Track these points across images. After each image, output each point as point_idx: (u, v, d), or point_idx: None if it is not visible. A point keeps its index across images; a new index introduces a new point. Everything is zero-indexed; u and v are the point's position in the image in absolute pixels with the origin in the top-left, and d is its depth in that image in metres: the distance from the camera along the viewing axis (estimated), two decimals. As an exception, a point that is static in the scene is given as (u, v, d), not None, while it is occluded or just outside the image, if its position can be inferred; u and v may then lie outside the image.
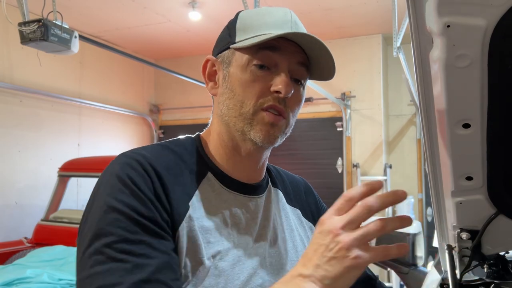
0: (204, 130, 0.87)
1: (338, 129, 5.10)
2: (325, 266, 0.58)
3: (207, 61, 0.83)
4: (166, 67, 4.84)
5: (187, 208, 0.72)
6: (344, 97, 5.03)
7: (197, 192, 0.76)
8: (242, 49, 0.77)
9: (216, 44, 0.84)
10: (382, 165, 4.90)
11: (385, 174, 4.85)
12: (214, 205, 0.77)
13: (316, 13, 4.35)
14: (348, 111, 5.03)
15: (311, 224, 0.94)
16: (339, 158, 5.08)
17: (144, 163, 0.70)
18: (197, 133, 0.87)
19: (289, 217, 0.90)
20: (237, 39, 0.77)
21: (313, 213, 0.96)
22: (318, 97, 4.99)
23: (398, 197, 0.59)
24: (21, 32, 2.65)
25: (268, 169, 0.92)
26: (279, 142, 0.79)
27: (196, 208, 0.74)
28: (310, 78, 0.84)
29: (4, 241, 3.60)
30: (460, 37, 0.62)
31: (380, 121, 4.93)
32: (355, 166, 4.94)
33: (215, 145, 0.82)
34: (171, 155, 0.77)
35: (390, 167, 4.92)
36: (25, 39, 2.66)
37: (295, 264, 0.82)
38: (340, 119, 5.09)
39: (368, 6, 4.19)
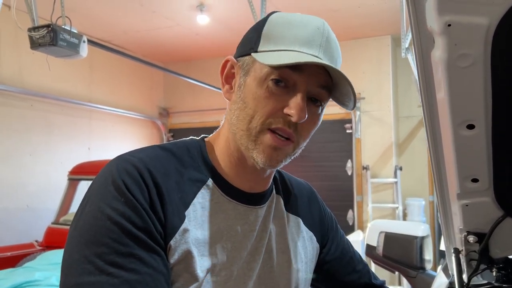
0: (213, 133, 0.83)
1: (348, 131, 5.07)
2: None
3: (227, 61, 0.78)
4: (175, 70, 4.86)
5: (183, 218, 0.69)
6: (353, 99, 4.99)
7: (194, 201, 0.72)
8: (263, 60, 0.71)
9: (241, 43, 0.79)
10: (392, 167, 4.86)
11: (395, 176, 4.81)
12: (211, 214, 0.74)
13: (324, 14, 4.33)
14: (358, 113, 5.00)
15: (311, 234, 0.90)
16: (349, 160, 5.05)
17: (141, 169, 0.67)
18: (202, 135, 0.84)
19: (288, 226, 0.86)
20: (260, 48, 0.72)
21: (315, 222, 0.93)
22: (327, 99, 4.97)
23: None
24: (30, 38, 2.68)
25: (274, 176, 0.88)
26: (284, 164, 0.75)
27: (191, 218, 0.71)
28: (334, 100, 0.78)
29: (15, 244, 3.64)
30: (461, 36, 0.61)
31: (390, 123, 4.89)
32: (365, 168, 4.91)
33: (221, 150, 0.79)
34: (171, 158, 0.74)
35: (401, 169, 4.87)
36: (34, 44, 2.70)
37: (286, 277, 0.81)
38: (349, 121, 5.06)
39: (376, 7, 4.16)
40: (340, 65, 0.77)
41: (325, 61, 0.69)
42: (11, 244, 3.64)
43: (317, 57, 0.70)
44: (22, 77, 4.11)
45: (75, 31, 2.76)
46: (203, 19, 4.29)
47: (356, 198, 4.97)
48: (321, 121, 0.76)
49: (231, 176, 0.77)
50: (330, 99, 0.77)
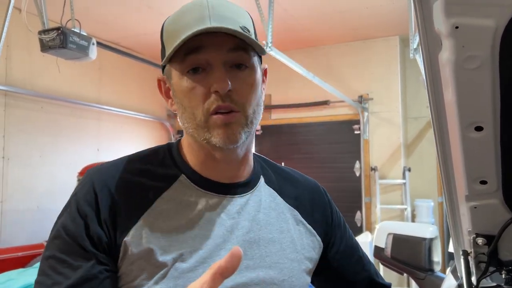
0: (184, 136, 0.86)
1: (356, 132, 5.06)
2: None
3: (159, 81, 0.83)
4: (183, 72, 4.87)
5: (138, 216, 0.74)
6: (362, 99, 4.98)
7: (164, 194, 0.77)
8: (172, 62, 0.75)
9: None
10: (400, 168, 4.83)
11: (403, 177, 4.78)
12: (183, 206, 0.77)
13: (332, 15, 4.33)
14: (366, 113, 4.98)
15: (310, 228, 0.89)
16: (357, 162, 5.03)
17: (96, 183, 0.75)
18: (178, 138, 0.88)
19: (283, 217, 0.86)
20: (167, 53, 0.74)
21: (315, 216, 0.91)
22: (335, 100, 4.96)
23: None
24: (41, 40, 2.71)
25: (264, 167, 0.90)
26: (245, 137, 0.75)
27: (157, 212, 0.75)
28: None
29: (26, 244, 3.68)
30: (469, 38, 0.61)
31: (398, 124, 4.87)
32: (373, 169, 4.89)
33: (188, 151, 0.82)
34: (136, 162, 0.80)
35: (409, 170, 4.84)
36: (45, 47, 2.73)
37: (278, 266, 0.80)
38: (357, 122, 5.04)
39: (384, 8, 4.15)
40: (248, 16, 0.78)
41: (225, 25, 0.69)
42: (21, 244, 3.68)
43: (210, 27, 0.69)
44: (33, 80, 4.16)
45: (84, 34, 2.78)
46: (211, 21, 4.30)
47: (364, 199, 4.95)
48: (257, 81, 0.77)
49: (203, 170, 0.80)
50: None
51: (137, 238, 0.72)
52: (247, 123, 0.75)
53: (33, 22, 3.10)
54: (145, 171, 0.79)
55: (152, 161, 0.81)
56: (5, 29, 3.32)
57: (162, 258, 0.72)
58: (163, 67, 0.80)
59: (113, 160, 0.82)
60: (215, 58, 0.72)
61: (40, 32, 2.71)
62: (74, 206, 0.74)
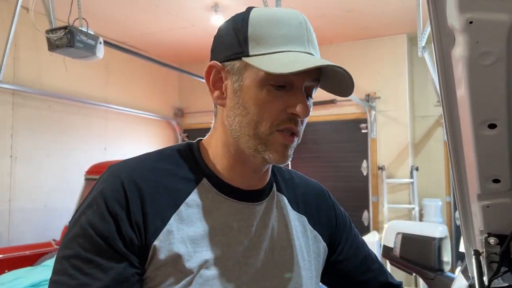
0: (206, 136, 0.84)
1: (363, 131, 5.03)
2: None
3: (211, 67, 0.78)
4: (190, 71, 4.88)
5: (167, 220, 0.72)
6: (369, 98, 4.96)
7: (188, 199, 0.75)
8: (254, 65, 0.71)
9: (219, 48, 0.78)
10: (408, 167, 4.80)
11: (411, 176, 4.75)
12: (205, 212, 0.75)
13: (339, 14, 4.31)
14: (373, 112, 4.95)
15: (316, 233, 0.90)
16: (364, 161, 5.01)
17: (126, 182, 0.71)
18: (198, 138, 0.85)
19: (292, 224, 0.86)
20: (251, 52, 0.72)
21: (321, 221, 0.92)
22: (342, 99, 4.93)
23: None
24: (48, 39, 2.72)
25: (274, 173, 0.89)
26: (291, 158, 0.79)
27: (183, 217, 0.73)
28: (324, 89, 0.80)
29: (33, 242, 3.70)
30: (483, 34, 0.60)
31: (406, 123, 4.84)
32: (381, 168, 4.86)
33: (218, 153, 0.80)
34: (163, 162, 0.77)
35: (417, 169, 4.81)
36: (52, 46, 2.73)
37: (291, 274, 0.81)
38: (364, 120, 5.02)
39: (392, 6, 4.12)
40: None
41: (316, 55, 0.74)
42: (29, 243, 3.70)
43: (310, 53, 0.73)
44: (41, 79, 4.18)
45: (91, 33, 2.79)
46: (218, 20, 4.30)
47: (371, 198, 4.93)
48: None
49: (226, 175, 0.79)
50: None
51: (165, 243, 0.70)
52: (296, 145, 0.78)
53: (40, 21, 3.11)
54: (171, 173, 0.76)
55: (176, 162, 0.78)
56: (13, 28, 3.34)
57: (188, 264, 0.70)
58: (227, 59, 0.76)
59: (137, 157, 0.78)
60: (301, 83, 0.73)
61: (47, 31, 2.71)
62: (102, 204, 0.69)
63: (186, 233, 0.72)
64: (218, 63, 0.77)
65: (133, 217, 0.69)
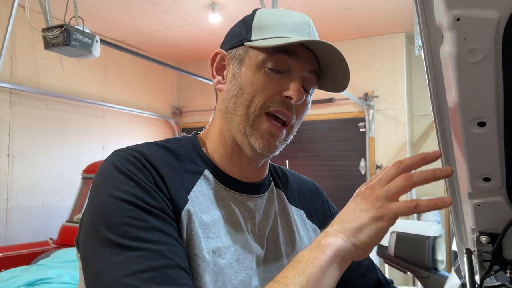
0: (203, 130, 0.86)
1: (361, 130, 5.03)
2: (349, 217, 0.61)
3: (216, 54, 0.81)
4: (188, 70, 4.88)
5: (186, 201, 0.70)
6: (367, 97, 4.95)
7: (194, 188, 0.73)
8: (257, 49, 0.75)
9: (227, 38, 0.83)
10: (406, 166, 4.79)
11: (409, 175, 4.74)
12: (211, 201, 0.75)
13: (337, 12, 4.30)
14: (371, 111, 4.95)
15: (315, 226, 0.92)
16: (362, 160, 5.00)
17: (141, 159, 0.68)
18: (194, 132, 0.86)
19: (291, 218, 0.88)
20: (253, 37, 0.76)
21: (318, 215, 0.94)
22: (340, 97, 4.93)
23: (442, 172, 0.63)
24: (44, 38, 2.71)
25: (270, 170, 0.91)
26: (279, 150, 0.79)
27: (194, 202, 0.71)
28: (320, 88, 0.83)
29: (31, 241, 3.70)
30: (471, 31, 0.59)
31: (404, 122, 4.84)
32: (379, 167, 4.86)
33: (215, 143, 0.81)
34: (166, 152, 0.75)
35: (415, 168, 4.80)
36: (48, 44, 2.73)
37: None
38: (362, 119, 5.01)
39: (390, 5, 4.11)
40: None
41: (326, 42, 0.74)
42: (26, 242, 3.70)
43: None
44: (38, 78, 4.17)
45: (88, 31, 2.78)
46: (215, 18, 4.29)
47: (369, 197, 4.92)
48: (309, 108, 0.81)
49: (226, 167, 0.80)
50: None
51: (187, 221, 0.68)
52: (286, 138, 0.79)
53: (37, 19, 3.10)
54: (177, 161, 0.75)
55: (180, 154, 0.77)
56: (10, 26, 3.33)
57: (204, 248, 0.69)
58: (231, 46, 0.79)
59: (139, 144, 0.74)
60: (299, 70, 0.75)
61: (43, 30, 2.71)
62: (136, 177, 0.65)
63: (200, 217, 0.71)
64: (223, 51, 0.81)
65: (165, 195, 0.66)
